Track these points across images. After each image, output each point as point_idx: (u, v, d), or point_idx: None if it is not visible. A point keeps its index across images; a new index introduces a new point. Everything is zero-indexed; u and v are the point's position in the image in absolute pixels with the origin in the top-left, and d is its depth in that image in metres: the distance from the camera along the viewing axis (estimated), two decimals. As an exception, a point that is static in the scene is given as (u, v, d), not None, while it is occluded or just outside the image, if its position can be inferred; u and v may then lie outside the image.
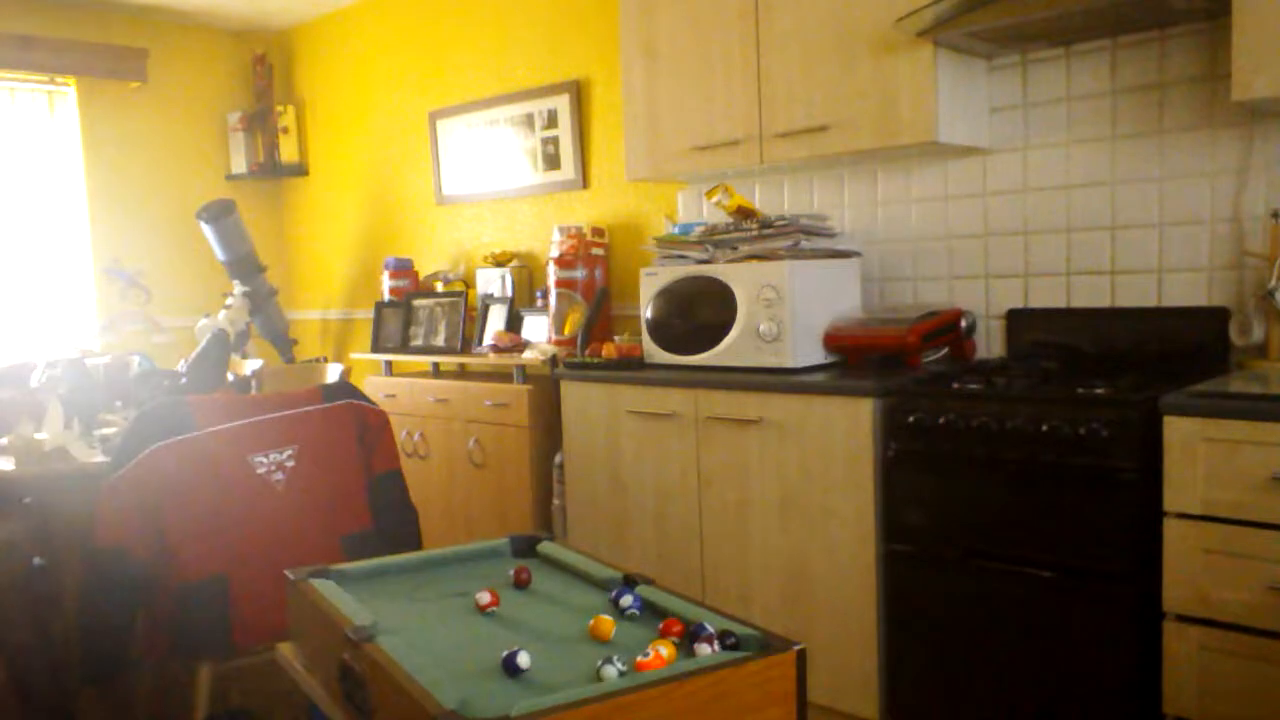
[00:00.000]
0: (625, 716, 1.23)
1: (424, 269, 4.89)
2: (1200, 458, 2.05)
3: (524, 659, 1.38)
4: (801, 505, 2.72)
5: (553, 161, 4.24)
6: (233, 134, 5.62)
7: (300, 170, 5.62)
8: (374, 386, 4.41)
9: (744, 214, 3.08)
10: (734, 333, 2.93)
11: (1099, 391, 2.23)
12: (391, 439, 2.70)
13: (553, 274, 3.85)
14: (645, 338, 3.19)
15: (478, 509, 3.99)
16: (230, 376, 3.98)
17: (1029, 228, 2.89)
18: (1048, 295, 2.87)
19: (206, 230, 4.80)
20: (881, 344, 2.84)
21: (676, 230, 3.26)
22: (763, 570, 2.83)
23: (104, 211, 5.24)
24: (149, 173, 5.40)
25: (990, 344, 3.00)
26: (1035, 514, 2.28)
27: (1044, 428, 2.25)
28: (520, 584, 1.77)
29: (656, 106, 3.33)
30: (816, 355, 2.91)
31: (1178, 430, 2.07)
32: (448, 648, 1.49)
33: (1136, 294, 2.71)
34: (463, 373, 4.53)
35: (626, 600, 1.60)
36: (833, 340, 2.92)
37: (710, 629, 1.42)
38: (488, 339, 4.22)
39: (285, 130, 5.58)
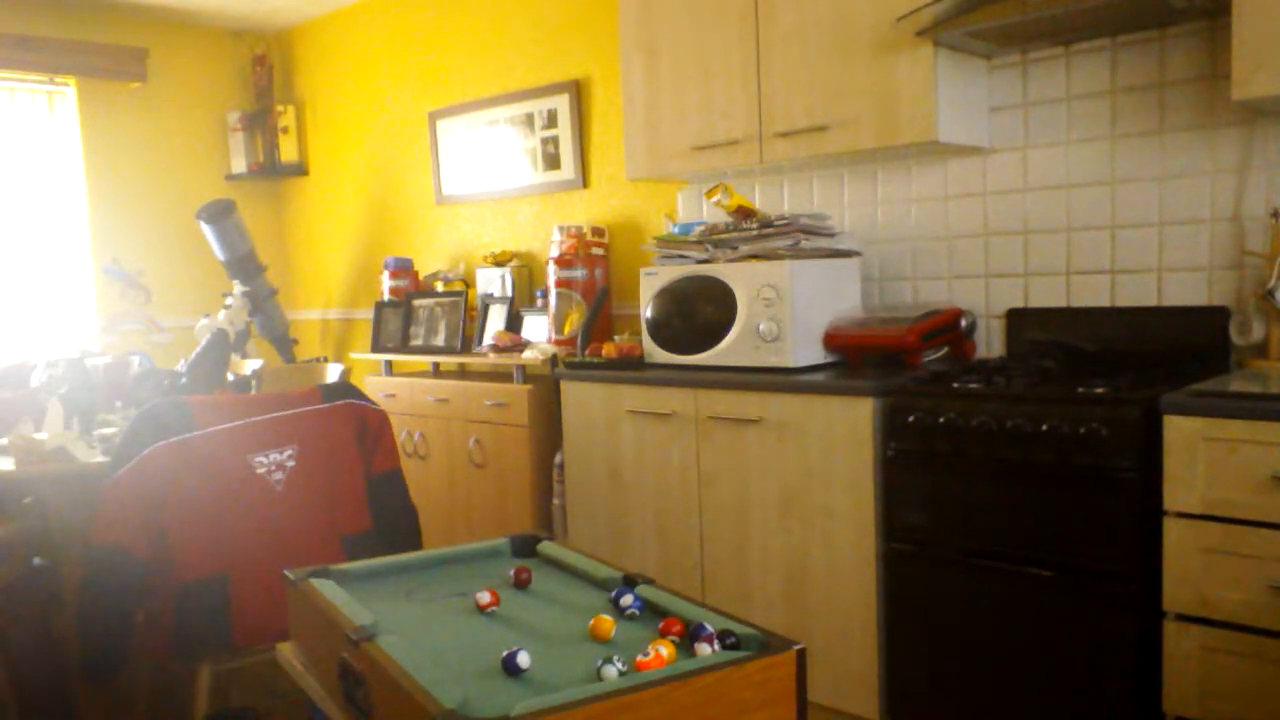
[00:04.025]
0: (625, 716, 1.23)
1: (424, 269, 4.89)
2: (1200, 457, 2.05)
3: (524, 659, 1.38)
4: (801, 505, 2.72)
5: (552, 161, 4.24)
6: (232, 134, 5.62)
7: (300, 170, 5.62)
8: (374, 386, 4.41)
9: (744, 214, 3.08)
10: (734, 332, 2.93)
11: (1099, 391, 2.23)
12: (391, 439, 2.70)
13: (553, 274, 3.85)
14: (645, 337, 3.19)
15: (478, 509, 3.99)
16: (230, 376, 3.98)
17: (1029, 227, 2.89)
18: (1048, 295, 2.87)
19: (206, 230, 4.80)
20: (881, 344, 2.84)
21: (676, 230, 3.26)
22: (763, 570, 2.83)
23: (104, 211, 5.24)
24: (149, 173, 5.40)
25: (990, 343, 3.00)
26: (1035, 514, 2.28)
27: (1044, 427, 2.25)
28: (520, 584, 1.77)
29: (656, 106, 3.33)
30: (816, 355, 2.91)
31: (1178, 430, 2.07)
32: (448, 648, 1.49)
33: (1136, 293, 2.71)
34: (463, 373, 4.53)
35: (626, 600, 1.60)
36: (833, 340, 2.92)
37: (710, 629, 1.42)
38: (488, 339, 4.22)
39: (285, 130, 5.58)
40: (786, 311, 2.82)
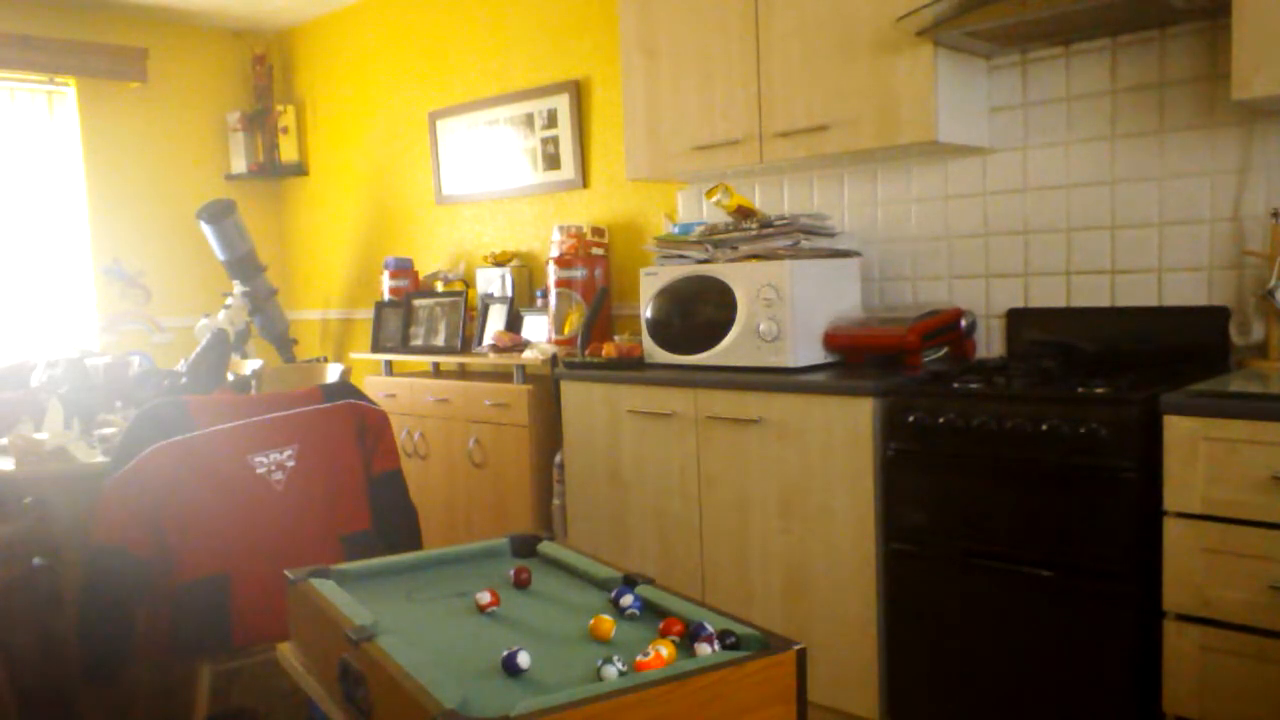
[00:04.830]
0: (625, 716, 1.23)
1: (424, 269, 4.89)
2: (1200, 457, 2.05)
3: (524, 659, 1.38)
4: (801, 505, 2.72)
5: (553, 161, 4.24)
6: (232, 134, 5.62)
7: (300, 170, 5.62)
8: (374, 386, 4.41)
9: (744, 214, 3.08)
10: (734, 332, 2.93)
11: (1099, 391, 2.23)
12: (391, 439, 2.70)
13: (553, 274, 3.85)
14: (645, 337, 3.19)
15: (478, 509, 3.99)
16: (230, 376, 3.98)
17: (1029, 227, 2.89)
18: (1048, 295, 2.87)
19: (206, 230, 4.80)
20: (881, 344, 2.84)
21: (676, 230, 3.26)
22: (763, 570, 2.83)
23: (104, 211, 5.24)
24: (149, 173, 5.40)
25: (990, 343, 3.00)
26: (1035, 514, 2.28)
27: (1044, 427, 2.25)
28: (520, 584, 1.77)
29: (656, 106, 3.33)
30: (816, 355, 2.91)
31: (1178, 430, 2.07)
32: (448, 647, 1.49)
33: (1137, 293, 2.71)
34: (463, 372, 4.53)
35: (626, 600, 1.60)
36: (833, 340, 2.92)
37: (710, 629, 1.42)
38: (488, 339, 4.22)
39: (285, 130, 5.58)
40: (786, 311, 2.82)
